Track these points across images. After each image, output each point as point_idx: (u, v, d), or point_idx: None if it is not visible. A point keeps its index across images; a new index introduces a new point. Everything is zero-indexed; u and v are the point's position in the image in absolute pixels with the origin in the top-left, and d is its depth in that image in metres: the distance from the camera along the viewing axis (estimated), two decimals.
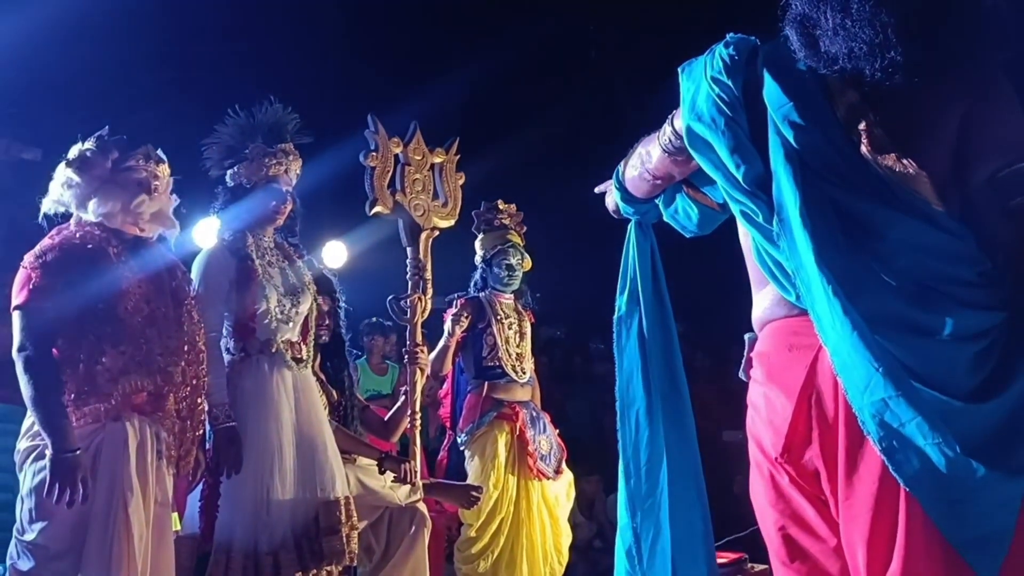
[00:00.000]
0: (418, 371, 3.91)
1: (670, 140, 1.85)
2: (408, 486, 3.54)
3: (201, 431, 2.98)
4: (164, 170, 2.91)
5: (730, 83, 1.66)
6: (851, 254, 1.54)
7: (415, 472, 3.52)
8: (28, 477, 2.67)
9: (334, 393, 3.71)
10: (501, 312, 4.57)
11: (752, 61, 1.68)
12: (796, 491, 1.64)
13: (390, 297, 3.93)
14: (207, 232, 4.24)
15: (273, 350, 3.16)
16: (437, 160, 4.07)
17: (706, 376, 7.79)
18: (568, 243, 7.67)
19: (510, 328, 4.57)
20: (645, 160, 1.97)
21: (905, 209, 1.56)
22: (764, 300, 1.74)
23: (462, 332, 4.52)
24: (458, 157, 4.15)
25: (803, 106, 1.61)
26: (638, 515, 2.07)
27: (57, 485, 2.56)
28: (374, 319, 6.17)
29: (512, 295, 4.64)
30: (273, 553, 2.98)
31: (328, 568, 3.11)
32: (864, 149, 1.59)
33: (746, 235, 1.76)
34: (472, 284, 4.69)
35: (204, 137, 3.26)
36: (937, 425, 1.46)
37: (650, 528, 2.05)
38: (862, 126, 1.59)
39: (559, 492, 4.49)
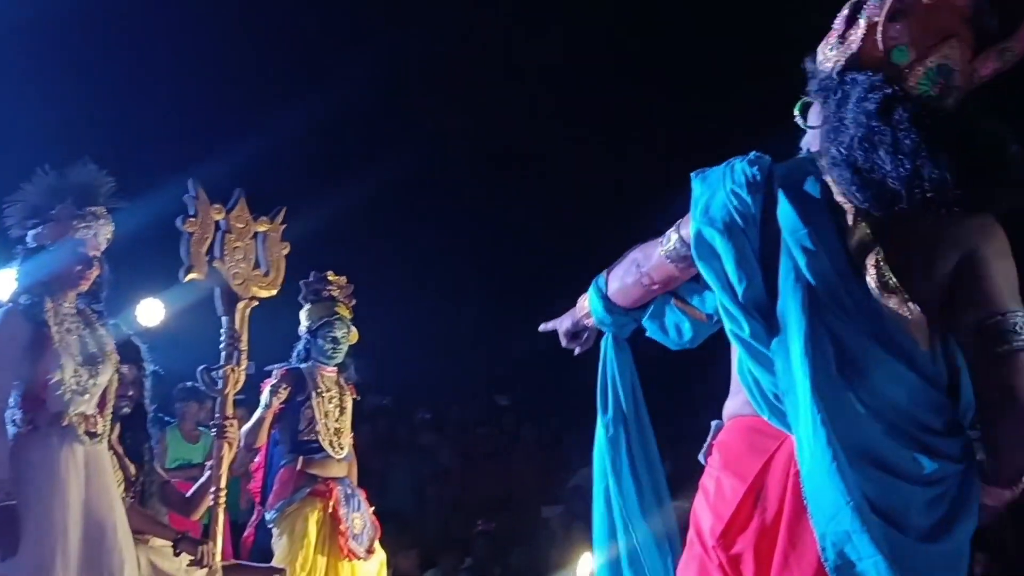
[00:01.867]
0: (226, 445, 3.77)
1: (676, 248, 1.87)
2: (205, 569, 3.38)
3: None
4: None
5: (749, 200, 1.71)
6: (840, 387, 1.63)
7: (213, 555, 3.37)
8: None
9: (132, 467, 3.53)
10: (323, 385, 4.48)
11: (769, 181, 1.73)
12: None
13: (201, 367, 3.80)
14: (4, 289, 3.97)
15: (64, 423, 2.98)
16: (261, 228, 3.99)
17: (531, 449, 7.88)
18: (399, 312, 7.66)
19: (330, 402, 4.48)
20: (642, 264, 1.98)
21: (893, 350, 1.65)
22: (737, 397, 1.82)
23: (280, 404, 4.40)
24: (284, 226, 4.09)
25: (816, 233, 1.68)
26: None
27: None
28: (189, 384, 5.91)
29: (335, 368, 4.57)
30: None
31: None
32: (870, 282, 1.67)
33: (733, 346, 1.80)
34: (295, 354, 4.59)
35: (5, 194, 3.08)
36: (893, 565, 1.56)
37: None
38: (871, 260, 1.67)
39: (370, 573, 4.40)
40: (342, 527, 4.27)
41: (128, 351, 3.54)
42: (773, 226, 1.71)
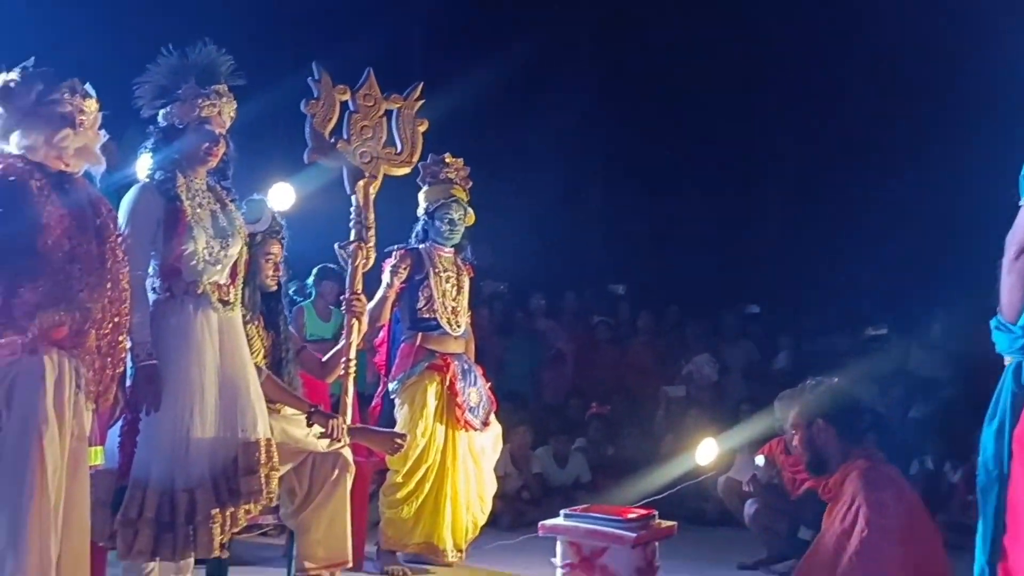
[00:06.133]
0: (354, 320, 3.97)
1: None
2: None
3: (122, 368, 3.00)
4: (91, 105, 2.87)
5: None
6: None
7: (343, 429, 3.55)
8: None
9: (270, 336, 3.75)
10: (440, 265, 4.61)
11: None
12: None
13: (337, 243, 4.01)
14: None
15: (199, 291, 3.17)
16: (393, 106, 4.09)
17: (647, 338, 7.91)
18: (517, 199, 7.70)
19: (447, 282, 4.61)
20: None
21: None
22: None
23: (401, 283, 4.56)
24: (420, 103, 4.16)
25: None
26: None
27: None
28: (332, 265, 6.15)
29: (452, 249, 4.68)
30: (189, 491, 3.03)
31: (247, 507, 3.15)
32: None
33: None
34: (413, 235, 4.72)
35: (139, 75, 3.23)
36: None
37: None
38: None
39: (485, 444, 4.59)
40: (459, 400, 4.45)
41: (276, 231, 3.73)
42: None
